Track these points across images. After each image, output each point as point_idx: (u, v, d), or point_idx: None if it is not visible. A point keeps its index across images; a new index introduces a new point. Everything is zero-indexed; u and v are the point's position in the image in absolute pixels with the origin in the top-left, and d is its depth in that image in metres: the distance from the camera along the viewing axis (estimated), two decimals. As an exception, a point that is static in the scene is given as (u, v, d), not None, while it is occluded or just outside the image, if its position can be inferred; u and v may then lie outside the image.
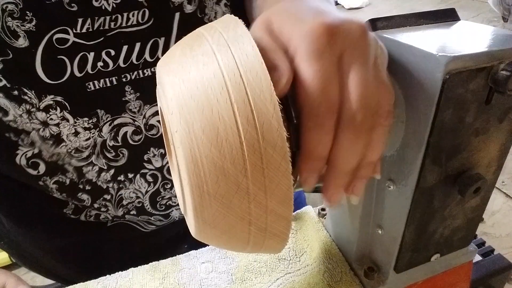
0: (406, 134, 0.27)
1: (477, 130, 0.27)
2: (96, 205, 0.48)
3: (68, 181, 0.46)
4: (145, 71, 0.43)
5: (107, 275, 0.41)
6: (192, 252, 0.43)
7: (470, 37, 0.26)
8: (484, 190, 0.29)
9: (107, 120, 0.43)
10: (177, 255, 0.42)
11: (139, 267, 0.41)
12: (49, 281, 1.19)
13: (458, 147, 0.27)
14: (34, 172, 0.44)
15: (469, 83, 0.24)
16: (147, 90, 0.43)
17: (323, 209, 0.44)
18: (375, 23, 0.29)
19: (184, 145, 0.20)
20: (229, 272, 0.39)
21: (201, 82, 0.20)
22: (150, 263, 0.41)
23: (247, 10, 0.50)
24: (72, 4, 0.36)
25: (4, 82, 0.37)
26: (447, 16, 0.30)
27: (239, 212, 0.21)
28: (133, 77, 0.42)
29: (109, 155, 0.45)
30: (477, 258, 0.47)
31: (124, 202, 0.49)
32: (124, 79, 0.42)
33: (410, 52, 0.25)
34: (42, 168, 0.44)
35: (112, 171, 0.46)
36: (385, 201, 0.32)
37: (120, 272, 0.41)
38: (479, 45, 0.24)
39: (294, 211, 0.46)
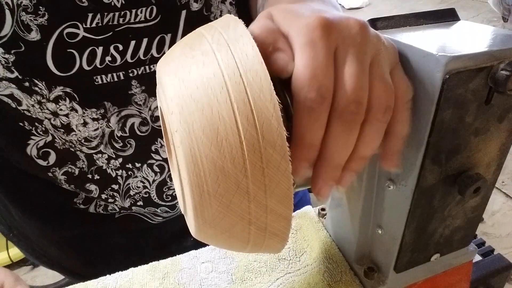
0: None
1: (477, 130, 0.27)
2: (104, 196, 0.49)
3: (77, 171, 0.47)
4: (151, 66, 0.44)
5: (107, 275, 0.41)
6: (192, 252, 0.43)
7: (470, 37, 0.26)
8: (484, 190, 0.29)
9: (114, 111, 0.44)
10: (177, 255, 0.42)
11: (139, 267, 0.41)
12: (49, 281, 1.19)
13: (458, 147, 0.27)
14: (44, 163, 0.45)
15: (469, 83, 0.24)
16: (153, 84, 0.44)
17: (323, 209, 0.44)
18: (375, 23, 0.29)
19: (184, 145, 0.20)
20: (229, 272, 0.39)
21: (201, 82, 0.20)
22: (150, 263, 0.41)
23: (253, 11, 0.51)
24: (83, 0, 0.38)
25: (16, 73, 0.38)
26: (447, 16, 0.30)
27: (239, 211, 0.21)
28: (139, 72, 0.43)
29: (116, 145, 0.46)
30: (477, 258, 0.47)
31: (132, 193, 0.50)
32: (131, 74, 0.43)
33: (410, 52, 0.25)
34: (52, 158, 0.45)
35: (120, 160, 0.47)
36: (385, 201, 0.32)
37: (120, 272, 0.41)
38: (479, 45, 0.24)
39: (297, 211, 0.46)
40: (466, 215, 0.32)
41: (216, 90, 0.20)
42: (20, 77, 0.39)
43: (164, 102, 0.22)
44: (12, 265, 1.26)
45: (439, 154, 0.27)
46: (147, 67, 0.43)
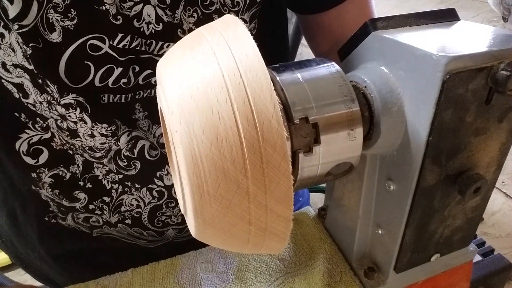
0: (406, 134, 0.27)
1: (477, 130, 0.27)
2: (91, 206, 0.47)
3: (68, 176, 0.44)
4: None
5: (107, 275, 0.41)
6: (192, 252, 0.43)
7: (470, 37, 0.26)
8: (484, 190, 0.29)
9: (125, 130, 0.42)
10: (176, 255, 0.42)
11: (139, 267, 0.41)
12: (49, 281, 1.18)
13: (458, 147, 0.27)
14: (32, 162, 0.42)
15: (469, 83, 0.24)
16: (155, 110, 0.43)
17: (323, 209, 0.44)
18: (375, 23, 0.29)
19: (184, 145, 0.20)
20: (229, 272, 0.39)
21: (201, 82, 0.20)
22: (150, 263, 0.41)
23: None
24: (118, 17, 0.36)
25: (32, 67, 0.36)
26: (447, 16, 0.30)
27: (239, 212, 0.21)
28: (145, 95, 0.41)
29: (121, 163, 0.44)
30: (477, 258, 0.47)
31: (123, 209, 0.47)
32: (137, 96, 0.41)
33: (410, 52, 0.25)
34: (43, 157, 0.42)
35: (120, 176, 0.45)
36: (385, 201, 0.32)
37: (120, 272, 0.41)
38: (479, 45, 0.24)
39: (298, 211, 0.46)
40: (466, 215, 0.32)
41: (216, 90, 0.20)
42: (35, 71, 0.37)
43: (164, 102, 0.22)
44: (12, 266, 1.26)
45: (439, 154, 0.27)
46: (152, 91, 0.41)
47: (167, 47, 0.39)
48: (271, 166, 0.20)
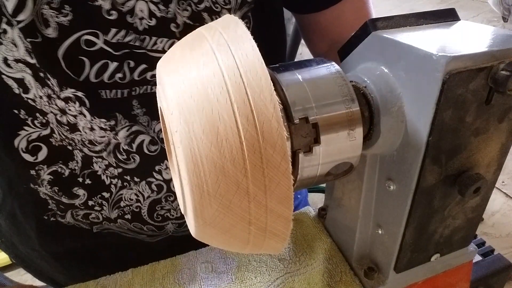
0: (406, 134, 0.27)
1: (477, 130, 0.27)
2: (90, 203, 0.47)
3: (67, 173, 0.44)
4: (153, 88, 0.42)
5: (107, 275, 0.41)
6: (192, 252, 0.43)
7: (470, 37, 0.26)
8: (484, 190, 0.29)
9: (125, 124, 0.42)
10: (176, 255, 0.42)
11: (139, 267, 0.41)
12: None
13: (458, 147, 0.27)
14: (31, 159, 0.42)
15: (469, 83, 0.24)
16: (153, 107, 0.43)
17: (323, 209, 0.44)
18: (375, 23, 0.29)
19: (184, 145, 0.20)
20: (229, 272, 0.39)
21: (201, 82, 0.20)
22: (150, 263, 0.41)
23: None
24: (111, 12, 0.36)
25: (34, 60, 0.37)
26: (447, 16, 0.30)
27: (239, 212, 0.21)
28: (141, 91, 0.41)
29: (120, 157, 0.44)
30: (477, 258, 0.47)
31: (122, 204, 0.48)
32: (133, 93, 0.41)
33: (410, 52, 0.25)
34: (42, 154, 0.42)
35: (120, 170, 0.45)
36: (385, 201, 0.32)
37: (120, 272, 0.41)
38: (479, 45, 0.24)
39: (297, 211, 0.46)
40: (466, 215, 0.32)
41: (216, 90, 0.20)
42: (37, 65, 0.37)
43: (164, 102, 0.22)
44: (12, 265, 1.26)
45: (439, 154, 0.27)
46: (149, 87, 0.42)
47: (161, 42, 0.39)
48: (271, 166, 0.20)
